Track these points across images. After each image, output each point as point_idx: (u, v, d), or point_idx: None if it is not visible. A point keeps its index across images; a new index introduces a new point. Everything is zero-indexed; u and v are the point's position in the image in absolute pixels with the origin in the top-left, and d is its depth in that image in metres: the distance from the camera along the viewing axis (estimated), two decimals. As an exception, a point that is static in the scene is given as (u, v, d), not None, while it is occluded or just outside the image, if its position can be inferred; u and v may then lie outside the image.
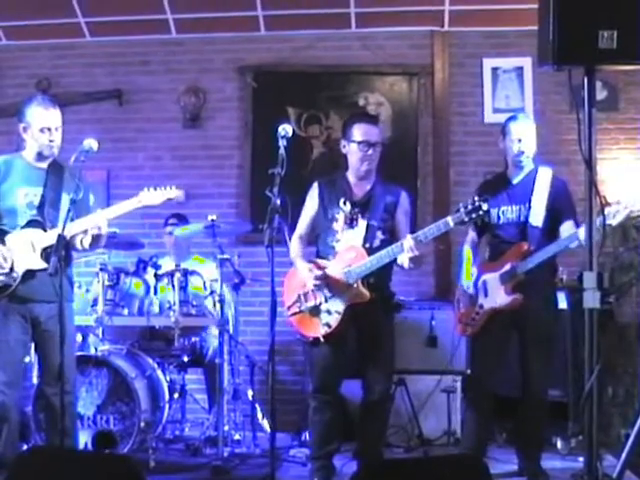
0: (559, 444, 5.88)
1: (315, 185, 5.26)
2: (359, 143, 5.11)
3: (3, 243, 4.90)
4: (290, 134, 4.65)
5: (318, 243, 5.25)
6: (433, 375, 6.28)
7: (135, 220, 6.19)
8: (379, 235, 5.09)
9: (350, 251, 5.04)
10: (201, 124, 7.44)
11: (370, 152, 5.10)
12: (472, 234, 5.54)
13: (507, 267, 5.21)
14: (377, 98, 7.33)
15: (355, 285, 4.97)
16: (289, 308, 5.12)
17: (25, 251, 4.87)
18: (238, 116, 7.41)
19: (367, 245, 5.04)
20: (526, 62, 7.10)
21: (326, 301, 5.02)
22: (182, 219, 6.53)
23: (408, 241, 4.77)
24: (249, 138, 7.36)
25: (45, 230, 4.90)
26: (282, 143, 4.55)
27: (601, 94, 6.82)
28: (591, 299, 3.68)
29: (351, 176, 5.22)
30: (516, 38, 7.06)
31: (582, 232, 4.92)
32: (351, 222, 5.11)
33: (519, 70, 7.17)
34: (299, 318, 5.09)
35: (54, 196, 4.97)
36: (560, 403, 5.98)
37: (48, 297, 4.83)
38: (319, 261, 5.14)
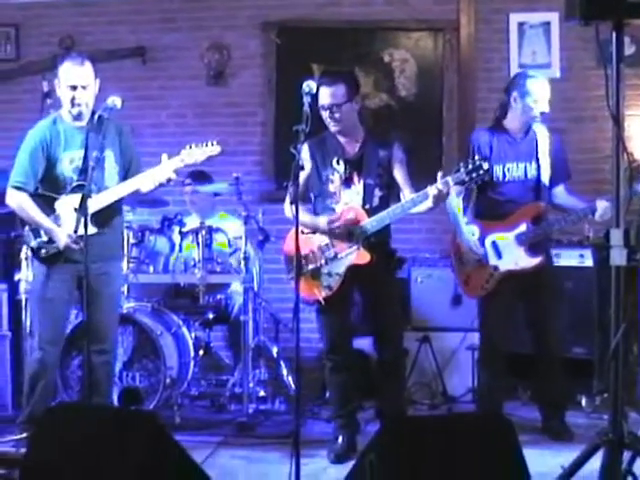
0: (584, 402, 5.87)
1: (305, 146, 5.03)
2: (319, 107, 5.02)
3: (53, 210, 4.94)
4: (314, 91, 4.61)
5: (315, 206, 5.19)
6: (457, 332, 6.28)
7: (159, 178, 6.19)
8: (377, 193, 5.03)
9: (349, 212, 4.99)
10: (225, 81, 7.41)
11: (327, 114, 5.02)
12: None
13: (523, 227, 5.19)
14: (402, 54, 7.27)
15: (356, 247, 4.95)
16: (290, 272, 5.08)
17: (73, 217, 4.84)
18: (262, 73, 7.38)
19: (367, 206, 4.99)
20: (553, 17, 6.99)
21: (327, 263, 5.01)
22: (203, 177, 6.48)
23: (433, 190, 4.70)
24: (273, 95, 7.33)
25: (90, 195, 4.85)
26: (306, 100, 4.51)
27: (629, 49, 6.72)
28: (618, 257, 3.66)
29: (338, 135, 5.14)
30: (543, -8, 6.97)
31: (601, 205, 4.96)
32: (347, 182, 5.05)
33: (546, 25, 7.07)
34: (301, 281, 4.94)
35: (98, 157, 4.83)
36: (585, 361, 5.97)
37: (96, 258, 4.84)
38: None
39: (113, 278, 5.09)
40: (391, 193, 5.05)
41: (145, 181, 4.98)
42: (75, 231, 4.66)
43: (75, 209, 4.81)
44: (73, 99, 4.93)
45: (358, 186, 5.03)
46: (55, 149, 4.96)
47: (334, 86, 5.02)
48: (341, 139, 5.12)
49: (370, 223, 4.92)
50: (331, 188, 5.08)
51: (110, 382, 5.20)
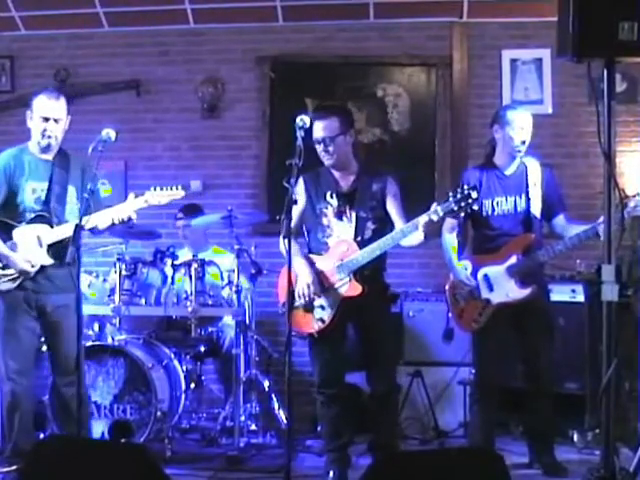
0: (576, 437, 5.86)
1: (300, 181, 5.10)
2: (314, 141, 5.04)
3: (10, 238, 4.92)
4: (308, 125, 4.64)
5: (309, 240, 5.21)
6: (449, 367, 6.27)
7: (152, 210, 6.18)
8: (369, 226, 5.03)
9: (341, 245, 5.00)
10: (219, 114, 7.44)
11: (321, 147, 5.05)
12: (452, 220, 5.34)
13: (513, 259, 5.20)
14: (395, 89, 7.31)
15: (348, 279, 4.95)
16: (284, 305, 5.04)
17: (32, 246, 4.89)
18: (256, 107, 7.40)
19: (359, 238, 4.99)
20: (545, 54, 7.05)
21: (319, 297, 5.01)
22: (195, 210, 6.51)
23: (422, 219, 4.70)
24: (267, 129, 7.35)
25: (52, 226, 4.92)
26: (300, 134, 4.54)
27: (620, 86, 6.79)
28: (610, 292, 3.68)
29: (332, 169, 5.16)
30: (535, 29, 7.01)
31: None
32: (340, 215, 5.06)
33: (538, 62, 7.13)
34: (294, 314, 4.96)
35: (60, 190, 4.98)
36: (577, 396, 5.96)
37: (54, 290, 4.88)
38: (311, 257, 5.12)
39: (73, 310, 5.03)
40: (384, 227, 5.03)
41: (104, 219, 4.98)
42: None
43: (38, 237, 4.85)
44: (44, 131, 4.96)
45: (350, 219, 5.04)
46: (18, 178, 4.98)
47: (327, 119, 5.04)
48: (335, 173, 5.14)
49: (361, 255, 4.92)
50: (324, 221, 5.08)
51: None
